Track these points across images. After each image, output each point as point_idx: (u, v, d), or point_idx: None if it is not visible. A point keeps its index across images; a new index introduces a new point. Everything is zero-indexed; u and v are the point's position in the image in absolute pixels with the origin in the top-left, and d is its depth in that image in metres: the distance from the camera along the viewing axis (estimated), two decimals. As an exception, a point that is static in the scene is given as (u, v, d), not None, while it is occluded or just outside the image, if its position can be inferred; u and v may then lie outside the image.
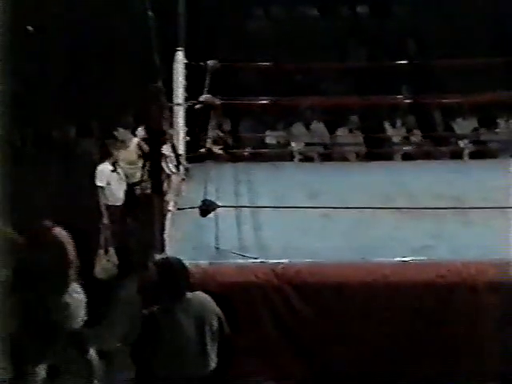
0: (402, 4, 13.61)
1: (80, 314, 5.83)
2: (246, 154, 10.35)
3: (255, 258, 5.96)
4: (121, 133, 9.86)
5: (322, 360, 5.87)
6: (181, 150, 8.42)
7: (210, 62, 8.98)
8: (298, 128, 11.57)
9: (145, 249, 6.71)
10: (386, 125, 11.48)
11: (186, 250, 5.91)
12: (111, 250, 8.35)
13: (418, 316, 5.80)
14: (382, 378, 5.75)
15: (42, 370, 5.72)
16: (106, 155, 8.84)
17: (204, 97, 8.64)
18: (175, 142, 8.22)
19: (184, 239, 6.37)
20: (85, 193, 8.71)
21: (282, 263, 5.90)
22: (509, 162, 8.56)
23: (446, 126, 11.54)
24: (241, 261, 5.98)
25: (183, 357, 4.59)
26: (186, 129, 8.69)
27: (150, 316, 4.66)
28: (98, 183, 8.58)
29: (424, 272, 5.85)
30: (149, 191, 8.05)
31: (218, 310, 4.73)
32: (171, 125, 8.28)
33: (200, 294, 4.76)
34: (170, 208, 6.98)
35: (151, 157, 7.88)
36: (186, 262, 4.82)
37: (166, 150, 7.56)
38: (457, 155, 10.36)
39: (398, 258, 5.96)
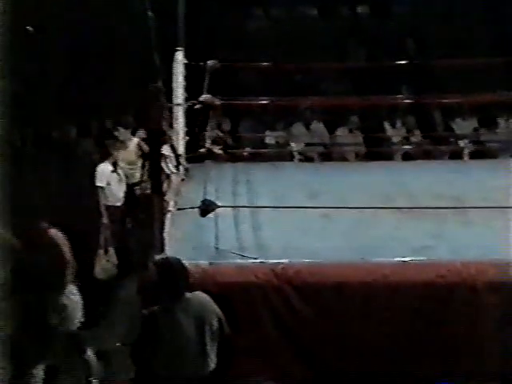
0: (401, 4, 13.62)
1: (77, 316, 5.83)
2: (245, 154, 10.35)
3: (255, 258, 5.95)
4: (121, 133, 9.87)
5: (322, 360, 5.87)
6: (180, 150, 8.42)
7: (209, 62, 8.97)
8: (298, 128, 11.57)
9: (144, 249, 6.71)
10: (386, 125, 11.48)
11: (185, 250, 5.90)
12: (111, 250, 8.35)
13: (417, 316, 5.79)
14: (382, 377, 5.74)
15: (39, 371, 5.72)
16: (105, 155, 8.84)
17: (204, 97, 8.63)
18: (175, 142, 8.22)
19: (184, 239, 6.37)
20: (85, 193, 8.71)
21: (282, 263, 5.89)
22: (509, 162, 8.57)
23: (446, 126, 11.55)
24: (240, 261, 5.97)
25: (183, 357, 4.59)
26: (186, 129, 8.68)
27: (150, 316, 4.66)
28: (98, 183, 8.58)
29: (424, 272, 5.85)
30: (148, 191, 8.05)
31: (217, 310, 4.73)
32: (171, 125, 8.29)
33: (200, 294, 4.76)
34: (170, 208, 6.97)
35: (151, 157, 7.88)
36: (186, 262, 4.82)
37: (166, 150, 7.56)
38: (457, 155, 10.36)
39: (398, 258, 5.96)
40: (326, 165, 10.26)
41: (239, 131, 11.51)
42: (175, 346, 4.58)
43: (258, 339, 5.79)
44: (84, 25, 11.43)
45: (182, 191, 7.72)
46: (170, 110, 8.35)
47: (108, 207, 8.55)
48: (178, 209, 6.93)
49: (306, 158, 10.91)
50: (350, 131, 11.51)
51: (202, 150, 8.66)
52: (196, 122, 8.71)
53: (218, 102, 8.75)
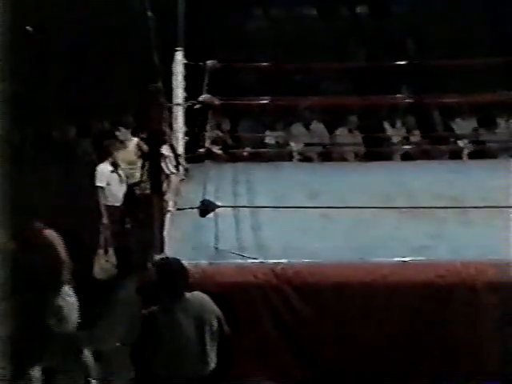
0: (401, 4, 13.61)
1: (73, 317, 5.82)
2: (245, 154, 10.35)
3: (255, 258, 5.96)
4: (122, 133, 9.86)
5: (322, 360, 5.87)
6: (180, 150, 8.42)
7: (209, 62, 8.97)
8: (298, 128, 11.56)
9: (144, 249, 6.71)
10: (386, 125, 11.47)
11: (185, 250, 5.91)
12: (111, 251, 8.35)
13: (417, 316, 5.80)
14: (382, 377, 5.74)
15: (36, 372, 5.72)
16: (105, 155, 8.84)
17: (203, 97, 8.63)
18: (174, 142, 8.22)
19: (183, 239, 6.37)
20: (85, 193, 8.71)
21: (282, 263, 5.89)
22: (509, 161, 8.57)
23: (446, 126, 11.54)
24: (240, 261, 5.97)
25: (183, 357, 4.59)
26: (186, 129, 8.69)
27: (150, 316, 4.66)
28: (98, 183, 8.58)
29: (423, 272, 5.85)
30: (148, 191, 8.03)
31: (217, 310, 4.73)
32: (170, 125, 8.29)
33: (199, 294, 4.76)
34: (170, 208, 6.97)
35: (151, 157, 7.87)
36: (186, 262, 4.83)
37: (166, 150, 7.56)
38: (456, 155, 10.36)
39: (398, 258, 5.96)
40: (325, 165, 10.25)
41: (239, 131, 11.49)
42: (175, 346, 4.58)
43: (257, 339, 5.79)
44: (84, 25, 11.42)
45: (181, 191, 7.72)
46: (170, 110, 8.36)
47: (108, 207, 8.55)
48: (178, 209, 6.92)
49: (306, 158, 10.91)
50: (350, 131, 11.50)
51: (202, 150, 8.66)
52: (196, 122, 8.71)
53: (217, 101, 8.75)
